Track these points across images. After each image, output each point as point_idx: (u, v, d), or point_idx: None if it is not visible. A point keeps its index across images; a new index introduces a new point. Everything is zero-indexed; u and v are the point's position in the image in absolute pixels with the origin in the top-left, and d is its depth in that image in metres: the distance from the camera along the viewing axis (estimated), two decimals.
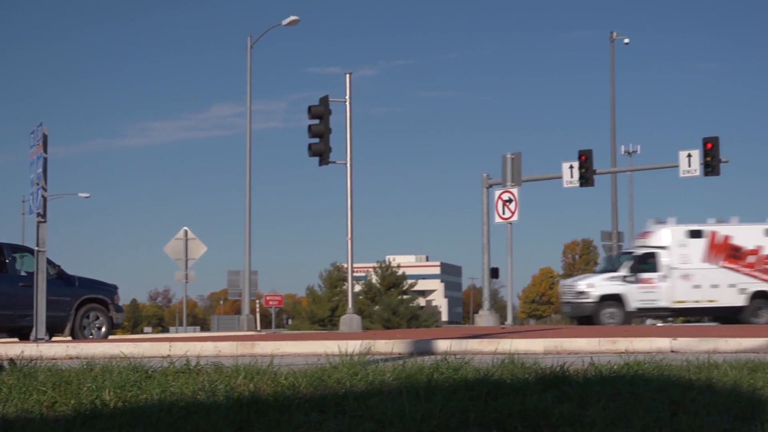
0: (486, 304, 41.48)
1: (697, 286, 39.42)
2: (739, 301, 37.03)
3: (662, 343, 16.52)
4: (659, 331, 22.20)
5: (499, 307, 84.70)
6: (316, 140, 28.48)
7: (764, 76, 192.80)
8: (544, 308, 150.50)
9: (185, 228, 42.81)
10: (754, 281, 36.83)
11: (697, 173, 42.19)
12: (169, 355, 12.77)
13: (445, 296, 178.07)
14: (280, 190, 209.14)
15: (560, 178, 44.48)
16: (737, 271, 38.37)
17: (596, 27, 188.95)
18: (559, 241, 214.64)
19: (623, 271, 39.67)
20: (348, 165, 29.06)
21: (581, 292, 39.98)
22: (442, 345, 16.42)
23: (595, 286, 39.96)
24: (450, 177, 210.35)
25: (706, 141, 42.02)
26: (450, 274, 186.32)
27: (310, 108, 28.56)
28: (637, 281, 39.41)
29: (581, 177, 43.77)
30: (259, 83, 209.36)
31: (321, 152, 28.46)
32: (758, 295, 38.18)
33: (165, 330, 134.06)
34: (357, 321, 28.01)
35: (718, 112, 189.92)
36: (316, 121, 28.49)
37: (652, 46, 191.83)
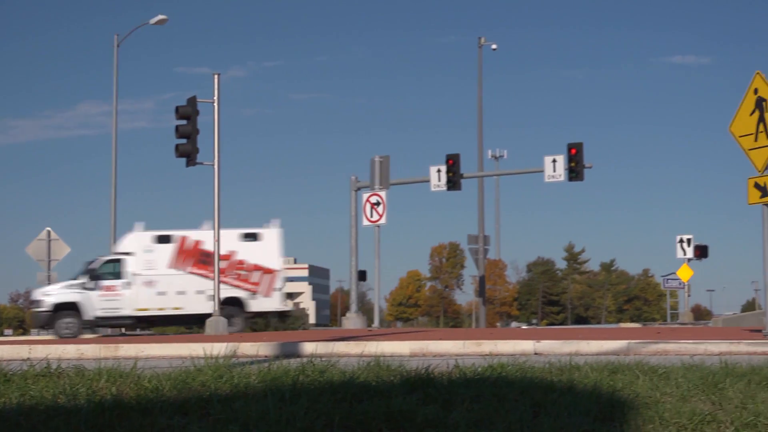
0: (353, 306, 41.57)
1: (162, 293, 37.88)
2: (207, 308, 33.48)
3: (526, 346, 16.74)
4: (523, 334, 22.52)
5: (366, 309, 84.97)
6: (184, 141, 28.19)
7: (628, 83, 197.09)
8: (412, 311, 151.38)
9: (48, 228, 41.97)
10: (224, 288, 33.34)
11: (562, 178, 42.91)
12: (29, 358, 12.51)
13: (313, 299, 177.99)
14: (148, 190, 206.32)
15: (428, 181, 44.80)
16: (206, 277, 36.05)
17: (465, 32, 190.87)
18: (426, 244, 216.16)
19: (83, 279, 37.49)
20: (216, 166, 28.81)
21: (38, 301, 37.67)
22: (309, 347, 16.40)
23: (50, 294, 37.51)
24: (319, 179, 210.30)
25: (570, 147, 42.78)
26: (318, 276, 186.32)
27: (177, 108, 28.27)
28: (98, 288, 37.27)
29: (449, 181, 44.17)
30: (127, 82, 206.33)
31: (188, 153, 28.18)
32: (228, 302, 36.05)
33: (26, 333, 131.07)
34: (223, 323, 27.78)
35: (584, 118, 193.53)
36: (184, 122, 28.21)
37: (520, 52, 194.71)
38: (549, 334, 22.10)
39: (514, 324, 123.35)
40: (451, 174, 44.24)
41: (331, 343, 16.99)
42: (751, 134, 19.05)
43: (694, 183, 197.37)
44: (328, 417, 7.06)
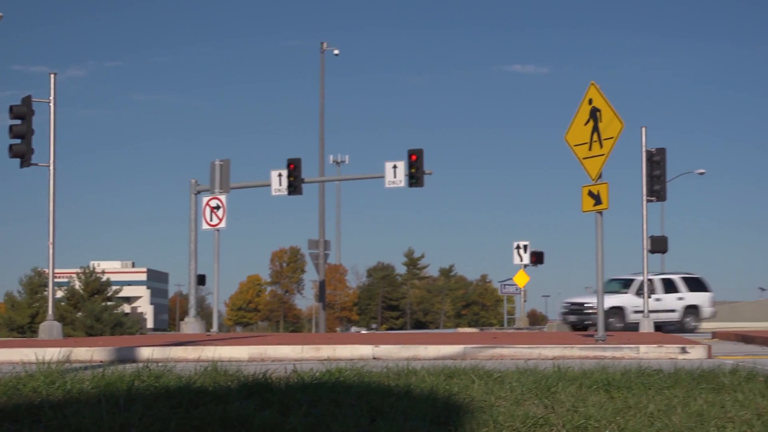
0: (192, 311, 41.08)
1: None
2: None
3: (365, 350, 16.83)
4: (362, 339, 22.62)
5: (205, 314, 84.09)
6: (18, 141, 27.55)
7: (470, 92, 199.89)
8: (252, 315, 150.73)
9: None
10: None
11: (402, 184, 43.28)
12: None
13: (151, 303, 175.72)
14: None
15: (269, 185, 44.65)
16: None
17: (308, 36, 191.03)
18: (267, 248, 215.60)
19: None
20: (51, 167, 28.19)
21: None
22: (145, 352, 16.17)
23: None
24: (159, 182, 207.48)
25: (411, 153, 43.19)
26: (156, 280, 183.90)
27: (11, 108, 27.63)
28: None
29: (290, 185, 44.10)
30: None
31: (22, 154, 27.55)
32: None
33: None
34: (57, 328, 27.17)
35: (425, 123, 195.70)
36: (18, 122, 27.57)
37: (363, 57, 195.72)
38: (388, 338, 22.25)
39: (353, 329, 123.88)
40: (292, 178, 44.18)
41: (169, 348, 16.78)
42: (586, 143, 19.52)
43: (532, 190, 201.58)
44: (164, 423, 6.96)
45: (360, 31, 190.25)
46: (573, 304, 44.79)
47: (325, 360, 13.88)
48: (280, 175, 44.34)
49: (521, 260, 53.21)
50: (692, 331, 42.16)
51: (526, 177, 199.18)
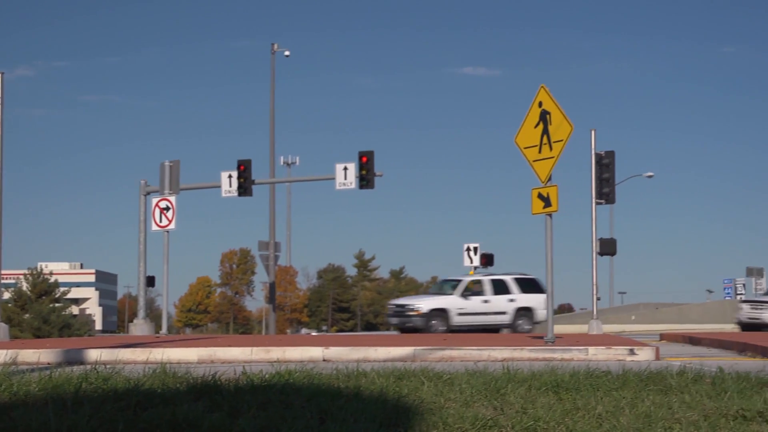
0: (141, 312, 40.85)
1: None
2: None
3: (315, 353, 16.81)
4: (312, 341, 22.59)
5: (155, 315, 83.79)
6: None
7: (421, 94, 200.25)
8: (201, 317, 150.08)
9: None
10: None
11: (353, 186, 43.32)
12: None
13: (100, 304, 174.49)
14: None
15: (219, 187, 44.52)
16: None
17: (258, 36, 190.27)
18: (217, 250, 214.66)
19: None
20: None
21: None
22: (93, 354, 16.05)
23: None
24: (108, 183, 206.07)
25: (362, 155, 43.24)
26: (105, 282, 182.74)
27: None
28: None
29: (240, 187, 43.98)
30: None
31: None
32: None
33: None
34: (4, 330, 26.90)
35: (376, 125, 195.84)
36: None
37: (314, 58, 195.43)
38: (338, 340, 22.23)
39: (304, 331, 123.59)
40: (242, 180, 44.07)
41: (117, 350, 16.67)
42: (536, 146, 19.61)
43: (482, 192, 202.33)
44: (112, 425, 6.91)
45: (312, 32, 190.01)
46: (397, 306, 43.16)
47: (274, 362, 13.83)
48: (230, 176, 44.22)
49: (471, 262, 53.22)
50: (528, 333, 38.69)
51: (477, 179, 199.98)
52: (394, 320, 42.57)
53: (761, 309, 40.74)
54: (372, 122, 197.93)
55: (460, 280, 43.01)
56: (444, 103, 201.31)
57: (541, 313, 41.37)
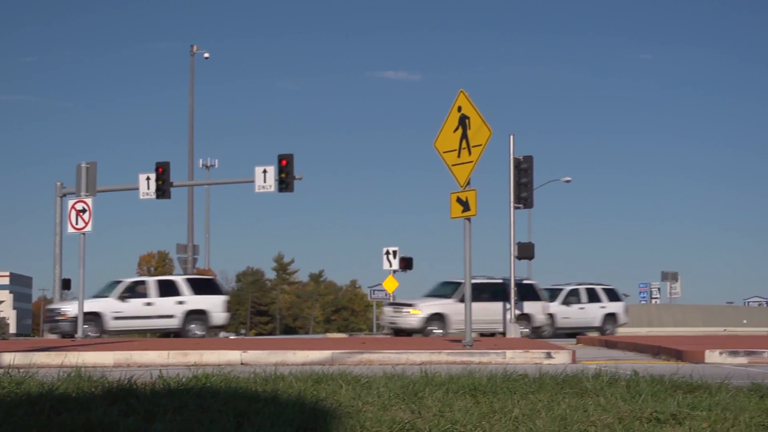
0: None
1: None
2: None
3: (232, 356, 16.72)
4: (230, 344, 22.47)
5: None
6: None
7: (342, 98, 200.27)
8: None
9: None
10: None
11: (273, 189, 43.23)
12: None
13: (14, 307, 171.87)
14: None
15: (137, 189, 44.16)
16: None
17: (178, 38, 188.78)
18: (135, 252, 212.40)
19: None
20: None
21: None
22: (6, 358, 15.80)
23: None
24: (24, 184, 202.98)
25: (281, 158, 43.20)
26: (20, 284, 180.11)
27: None
28: None
29: (158, 189, 43.68)
30: None
31: None
32: None
33: None
34: None
35: (296, 128, 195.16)
36: None
37: (233, 61, 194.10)
38: (257, 344, 22.15)
39: (222, 334, 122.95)
40: (160, 182, 43.77)
41: (31, 354, 16.44)
42: (455, 150, 19.72)
43: (402, 196, 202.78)
44: (25, 430, 6.82)
45: (232, 35, 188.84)
46: (50, 310, 39.67)
47: (192, 365, 13.74)
48: (148, 178, 43.90)
49: (390, 266, 53.39)
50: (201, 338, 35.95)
51: (398, 183, 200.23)
52: (47, 325, 38.86)
53: None
54: (293, 126, 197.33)
55: (120, 281, 39.14)
56: (365, 106, 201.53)
57: (217, 317, 39.25)
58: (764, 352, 17.89)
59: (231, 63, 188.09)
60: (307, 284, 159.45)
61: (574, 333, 38.49)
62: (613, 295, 45.87)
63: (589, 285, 45.68)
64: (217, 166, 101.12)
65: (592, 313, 44.42)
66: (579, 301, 44.51)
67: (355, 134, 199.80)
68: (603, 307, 44.88)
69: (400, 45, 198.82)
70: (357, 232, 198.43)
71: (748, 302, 67.69)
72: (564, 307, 43.47)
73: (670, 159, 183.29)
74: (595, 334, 39.48)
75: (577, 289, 44.82)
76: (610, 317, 44.90)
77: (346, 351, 17.12)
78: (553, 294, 43.63)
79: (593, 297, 44.97)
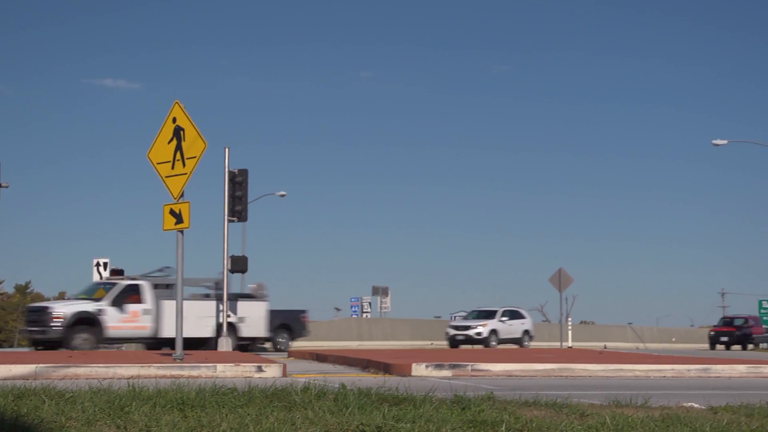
0: None
1: None
2: None
3: None
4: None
5: None
6: None
7: (56, 104, 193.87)
8: None
9: None
10: None
11: None
12: None
13: None
14: None
15: None
16: None
17: None
18: None
19: None
20: None
21: None
22: None
23: None
24: None
25: None
26: None
27: None
28: None
29: None
30: None
31: None
32: None
33: None
34: None
35: (7, 135, 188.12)
36: None
37: None
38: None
39: None
40: None
41: None
42: (169, 162, 19.52)
43: (114, 206, 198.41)
44: None
45: None
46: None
47: None
48: None
49: (101, 277, 52.29)
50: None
51: (111, 193, 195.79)
52: None
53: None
54: (6, 132, 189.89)
55: None
56: (81, 114, 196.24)
57: None
58: (468, 365, 18.53)
59: None
60: (13, 296, 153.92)
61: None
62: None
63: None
64: None
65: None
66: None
67: (70, 143, 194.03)
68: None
69: (120, 53, 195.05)
70: (67, 243, 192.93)
71: (455, 316, 70.13)
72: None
73: (382, 170, 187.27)
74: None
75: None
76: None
77: (52, 365, 16.61)
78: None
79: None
